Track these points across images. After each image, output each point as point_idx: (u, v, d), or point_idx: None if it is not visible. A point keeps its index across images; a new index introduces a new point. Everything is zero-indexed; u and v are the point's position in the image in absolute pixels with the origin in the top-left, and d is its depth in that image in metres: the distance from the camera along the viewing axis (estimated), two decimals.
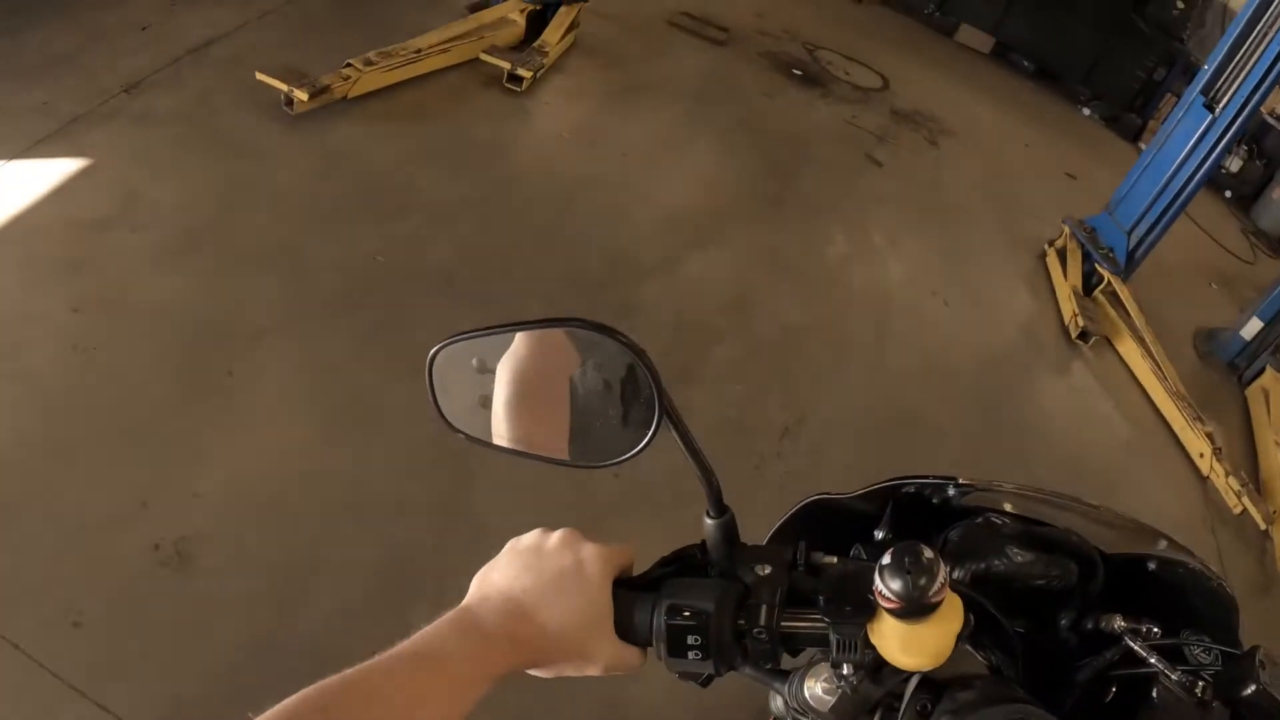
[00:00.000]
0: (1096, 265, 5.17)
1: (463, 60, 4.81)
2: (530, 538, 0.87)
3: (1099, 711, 0.95)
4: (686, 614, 0.83)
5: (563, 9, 5.29)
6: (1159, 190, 4.99)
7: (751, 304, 4.00)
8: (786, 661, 0.91)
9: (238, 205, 3.64)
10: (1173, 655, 0.91)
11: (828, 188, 5.25)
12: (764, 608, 0.84)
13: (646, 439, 0.82)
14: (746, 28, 6.93)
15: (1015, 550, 0.98)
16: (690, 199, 4.60)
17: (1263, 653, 0.86)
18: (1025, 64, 8.73)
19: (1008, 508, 1.05)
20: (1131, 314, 4.98)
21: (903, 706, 0.85)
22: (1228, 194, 7.96)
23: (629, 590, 0.86)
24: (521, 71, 4.72)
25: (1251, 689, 0.83)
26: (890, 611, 0.77)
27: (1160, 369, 4.66)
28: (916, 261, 4.91)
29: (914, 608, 0.76)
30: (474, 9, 5.33)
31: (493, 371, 0.88)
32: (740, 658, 0.86)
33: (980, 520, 1.03)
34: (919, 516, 1.07)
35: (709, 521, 0.88)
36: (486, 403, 0.89)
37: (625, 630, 0.85)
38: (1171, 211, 5.02)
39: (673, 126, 5.18)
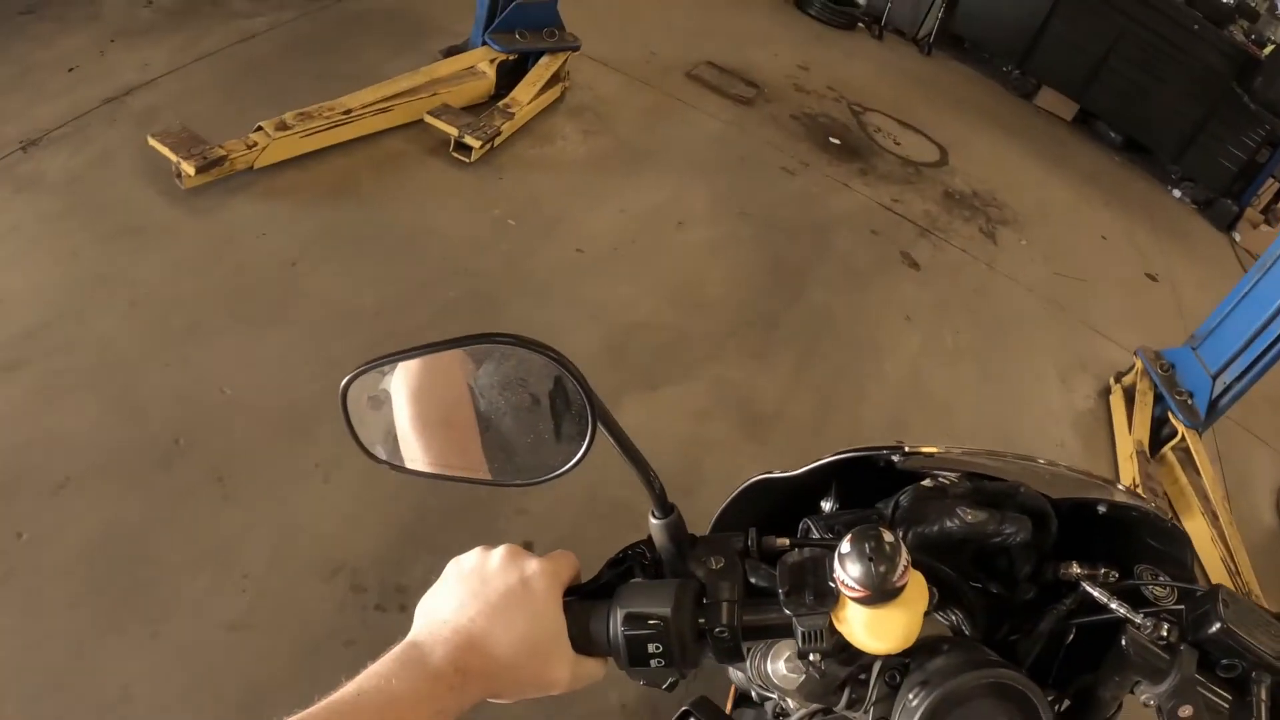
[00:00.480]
0: (1170, 413, 4.20)
1: (410, 120, 4.08)
2: (471, 559, 0.83)
3: (1062, 660, 0.95)
4: (646, 622, 0.80)
5: (544, 59, 4.52)
6: (1258, 329, 3.99)
7: (699, 473, 3.08)
8: None
9: (90, 305, 3.01)
10: (1131, 597, 0.89)
11: (843, 300, 4.30)
12: (724, 605, 0.82)
13: (583, 449, 0.80)
14: (782, 83, 6.09)
15: (966, 510, 0.94)
16: (651, 316, 3.73)
17: (1224, 592, 0.85)
18: (1112, 134, 7.72)
19: (953, 468, 1.02)
20: (1205, 479, 4.01)
21: (872, 681, 0.85)
22: None
23: (581, 600, 0.84)
24: (469, 140, 3.95)
25: (1216, 627, 0.82)
26: (855, 600, 0.76)
27: (1231, 557, 3.71)
28: (940, 403, 3.98)
29: (878, 595, 0.75)
30: (450, 53, 4.60)
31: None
32: (703, 656, 0.83)
33: (929, 483, 1.00)
34: (865, 484, 1.04)
35: (655, 522, 0.86)
36: (412, 428, 0.86)
37: (582, 643, 0.82)
38: (1270, 356, 4.02)
39: (655, 213, 4.33)
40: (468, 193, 3.94)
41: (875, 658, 0.83)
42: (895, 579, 0.74)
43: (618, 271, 3.87)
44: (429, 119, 3.98)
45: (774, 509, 1.03)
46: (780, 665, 0.90)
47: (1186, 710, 0.81)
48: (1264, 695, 0.82)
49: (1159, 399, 4.30)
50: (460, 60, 4.31)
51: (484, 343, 0.80)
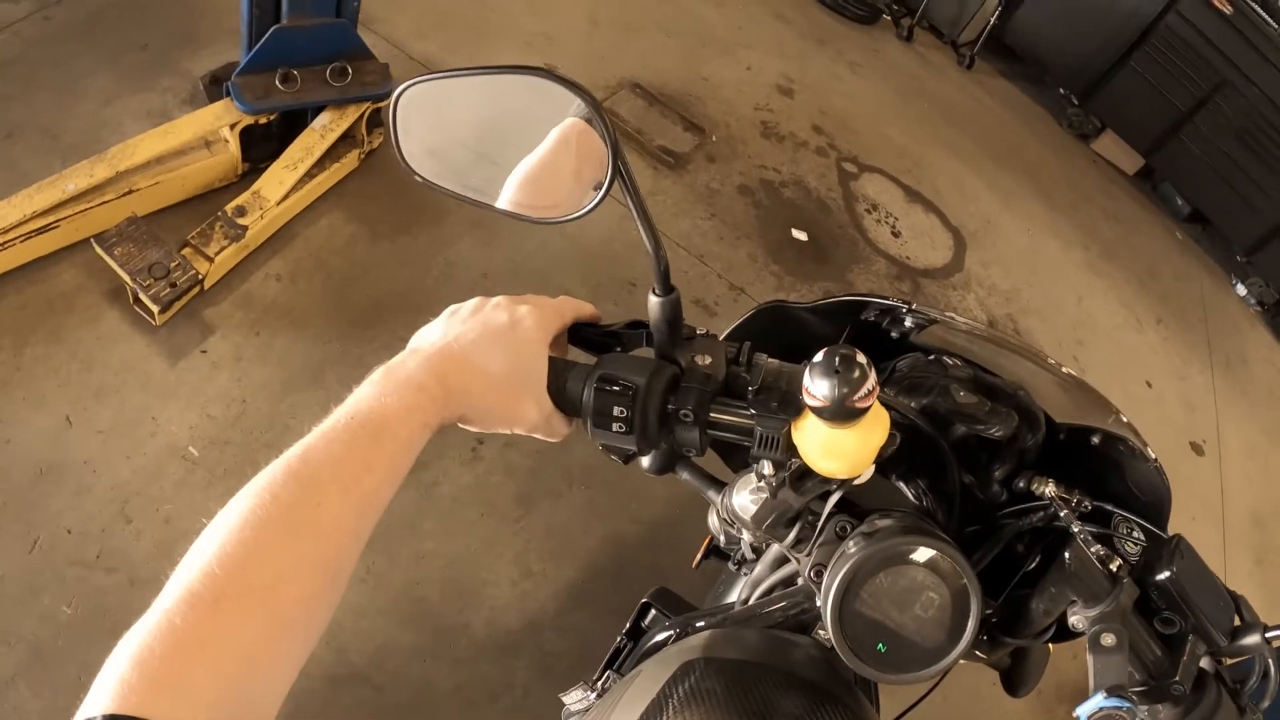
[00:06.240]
0: None
1: (93, 233, 2.46)
2: (469, 303, 0.85)
3: (1014, 568, 0.95)
4: (616, 387, 0.81)
5: (324, 118, 2.86)
6: None
7: None
8: (727, 476, 1.03)
9: None
10: (1099, 534, 0.89)
11: None
12: (694, 392, 0.83)
13: (597, 198, 0.79)
14: (745, 122, 4.41)
15: (960, 389, 0.95)
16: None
17: (1184, 544, 0.84)
18: (1179, 202, 6.07)
19: (963, 354, 1.02)
20: None
21: (820, 522, 0.86)
22: None
23: (566, 360, 0.85)
24: (145, 300, 2.37)
25: (1165, 575, 0.81)
26: (815, 410, 0.75)
27: None
28: None
29: (838, 409, 0.73)
30: (215, 82, 2.96)
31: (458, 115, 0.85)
32: (664, 439, 0.84)
33: (932, 357, 1.02)
34: (876, 345, 1.03)
35: (653, 299, 0.84)
36: (448, 147, 0.86)
37: (557, 396, 0.83)
38: None
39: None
40: (137, 387, 2.36)
41: (828, 492, 0.84)
42: (857, 398, 0.72)
43: None
44: (98, 247, 2.37)
45: (784, 346, 0.94)
46: (745, 495, 0.95)
47: (1109, 638, 0.77)
48: (1194, 662, 0.78)
49: None
50: (184, 127, 2.64)
51: (526, 74, 0.76)
